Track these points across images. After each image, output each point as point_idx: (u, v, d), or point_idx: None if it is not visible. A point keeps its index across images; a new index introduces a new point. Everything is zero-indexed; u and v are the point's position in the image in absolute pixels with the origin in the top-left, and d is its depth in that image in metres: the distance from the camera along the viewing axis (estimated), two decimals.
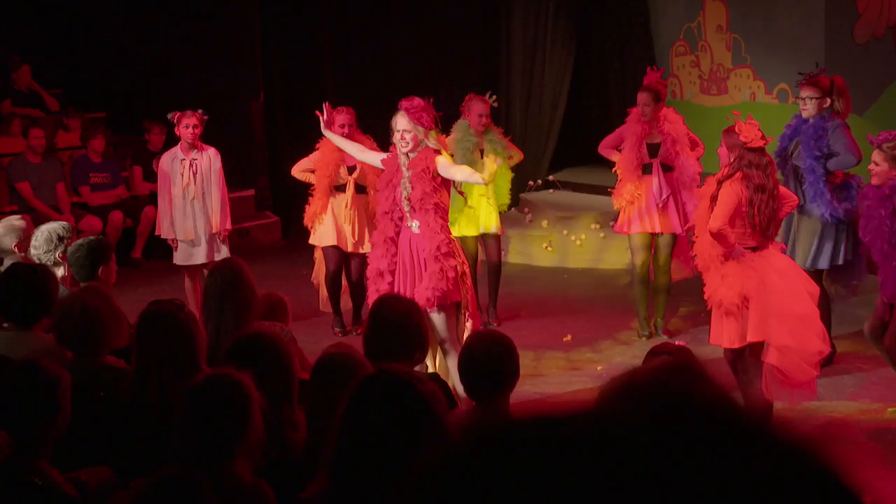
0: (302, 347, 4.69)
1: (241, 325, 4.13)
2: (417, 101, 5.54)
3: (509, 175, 7.81)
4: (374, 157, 5.95)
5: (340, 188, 7.52)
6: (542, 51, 11.30)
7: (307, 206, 7.60)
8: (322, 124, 6.26)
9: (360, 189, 7.51)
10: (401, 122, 5.51)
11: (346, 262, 7.65)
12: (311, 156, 7.58)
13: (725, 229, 5.24)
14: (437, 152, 5.53)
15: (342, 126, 7.36)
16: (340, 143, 6.41)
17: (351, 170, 7.47)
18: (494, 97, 7.64)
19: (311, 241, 7.67)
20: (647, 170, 7.14)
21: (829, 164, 6.34)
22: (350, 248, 7.52)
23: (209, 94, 10.26)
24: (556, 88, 11.32)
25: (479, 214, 7.61)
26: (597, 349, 7.22)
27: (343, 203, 7.48)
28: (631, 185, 7.14)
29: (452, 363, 5.32)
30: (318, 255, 7.81)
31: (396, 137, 5.54)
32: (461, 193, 6.39)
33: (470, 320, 5.56)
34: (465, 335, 5.33)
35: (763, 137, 5.32)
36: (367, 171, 7.41)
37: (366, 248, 7.37)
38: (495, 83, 10.53)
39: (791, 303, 5.27)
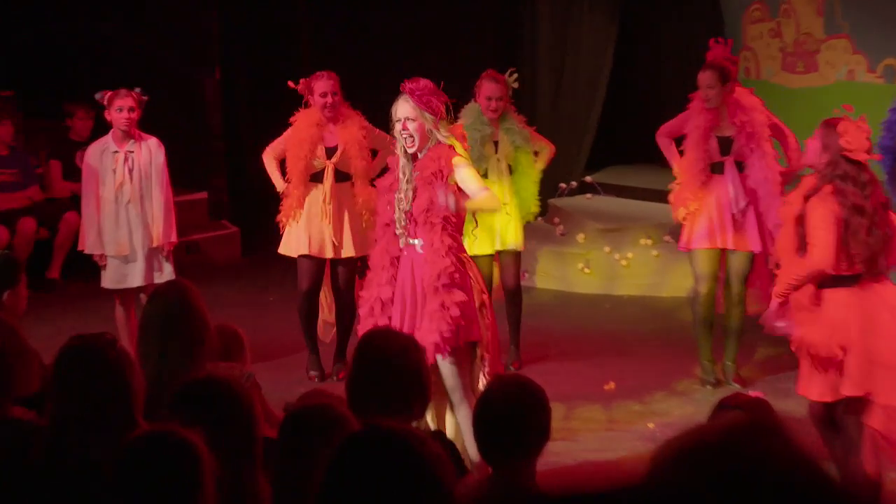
0: (267, 396, 4.70)
1: (190, 366, 4.13)
2: (425, 82, 5.49)
3: (536, 176, 7.80)
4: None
5: (316, 177, 7.47)
6: (578, 17, 11.34)
7: (283, 201, 7.54)
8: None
9: (343, 177, 7.48)
10: (403, 109, 5.45)
11: (332, 270, 7.61)
12: (285, 133, 7.54)
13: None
14: (453, 150, 5.47)
15: (323, 95, 7.36)
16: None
17: (331, 152, 7.43)
18: (515, 76, 7.65)
19: (280, 249, 7.62)
20: (716, 169, 7.15)
21: None
22: (331, 254, 7.48)
23: (150, 67, 10.32)
24: (596, 66, 11.35)
25: (493, 227, 7.60)
26: (646, 401, 7.22)
27: (319, 196, 7.44)
28: (696, 191, 7.14)
29: (464, 418, 5.31)
30: None
31: (397, 128, 5.48)
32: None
33: (489, 366, 5.47)
34: (482, 383, 5.31)
35: (869, 150, 5.30)
36: (352, 154, 7.40)
37: (348, 251, 7.40)
38: (517, 59, 10.57)
39: None
